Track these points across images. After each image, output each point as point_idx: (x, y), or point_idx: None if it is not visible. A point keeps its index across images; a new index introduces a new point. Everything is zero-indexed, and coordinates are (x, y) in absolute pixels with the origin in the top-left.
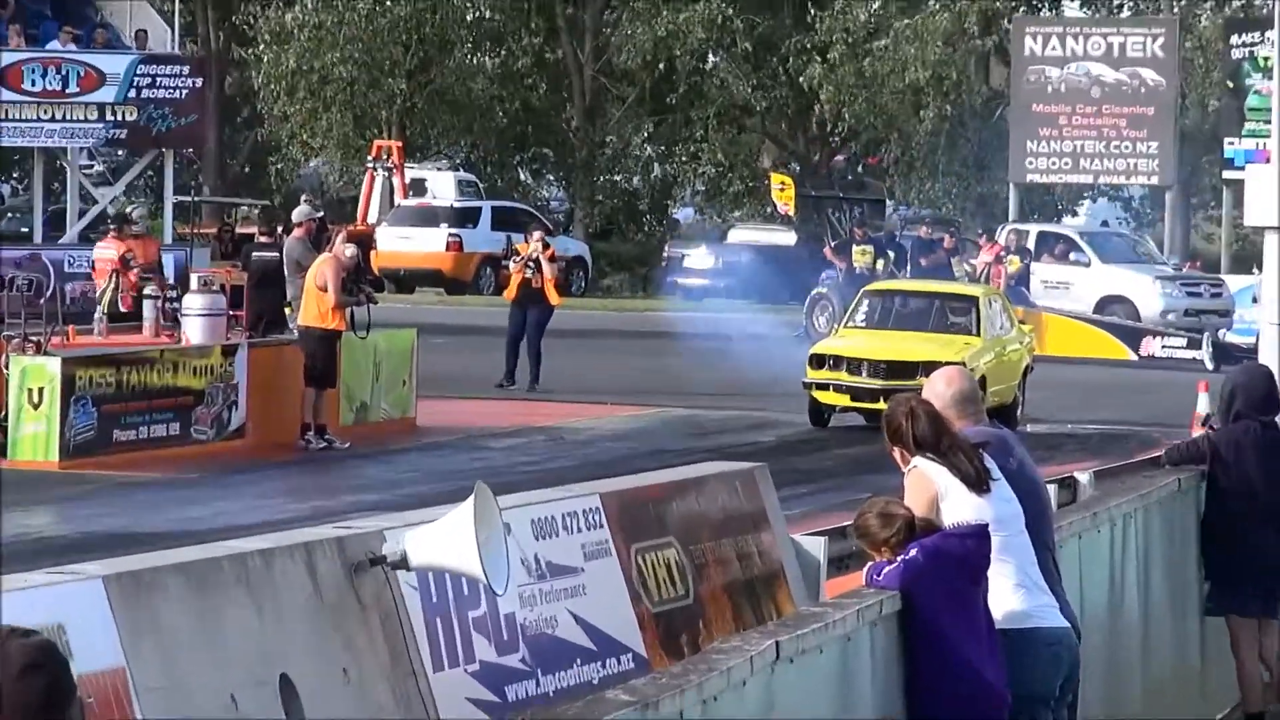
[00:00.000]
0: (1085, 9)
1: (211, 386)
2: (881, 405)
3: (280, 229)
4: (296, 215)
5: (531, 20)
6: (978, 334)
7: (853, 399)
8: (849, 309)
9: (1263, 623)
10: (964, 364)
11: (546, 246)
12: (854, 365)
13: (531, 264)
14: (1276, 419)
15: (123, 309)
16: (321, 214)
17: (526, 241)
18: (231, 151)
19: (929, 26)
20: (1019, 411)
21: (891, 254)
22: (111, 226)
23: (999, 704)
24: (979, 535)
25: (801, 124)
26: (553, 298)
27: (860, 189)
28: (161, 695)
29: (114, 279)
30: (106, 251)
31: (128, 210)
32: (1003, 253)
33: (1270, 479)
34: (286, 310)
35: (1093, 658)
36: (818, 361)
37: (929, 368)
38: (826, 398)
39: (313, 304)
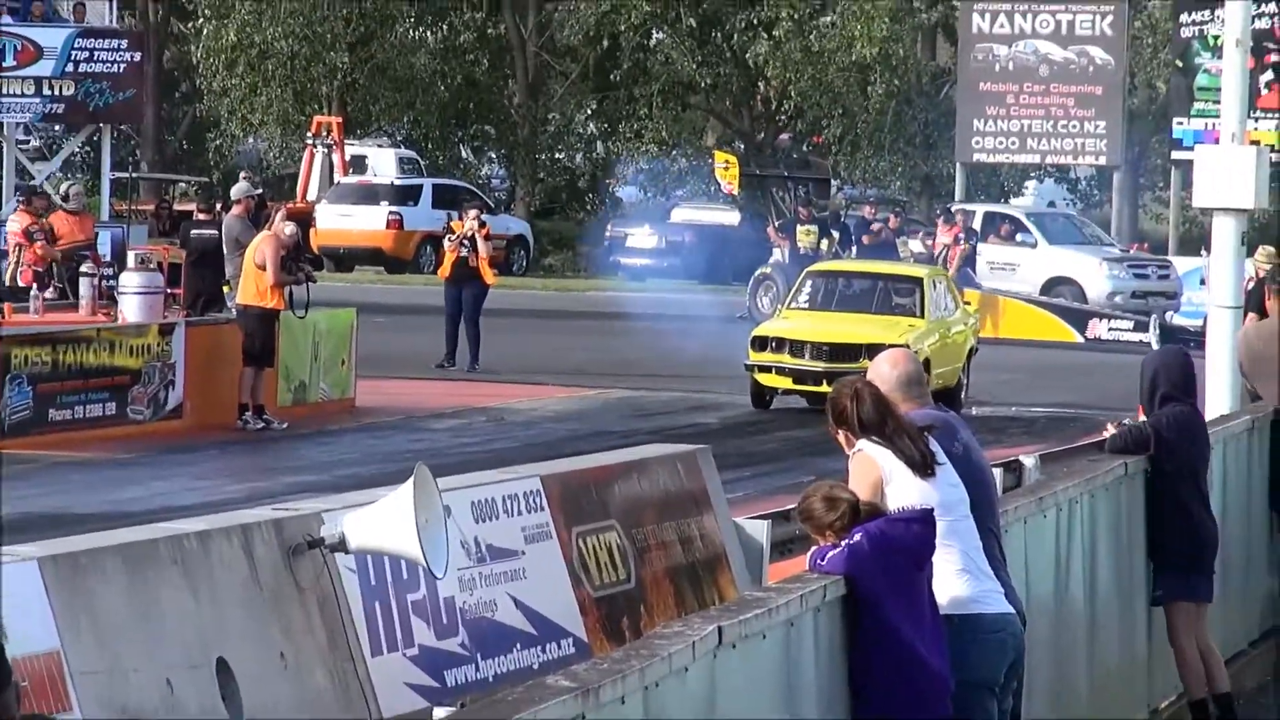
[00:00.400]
0: None
1: (148, 366)
2: (824, 388)
3: (219, 206)
4: (235, 192)
5: None
6: (922, 316)
7: (795, 381)
8: (792, 290)
9: (1201, 607)
10: (907, 346)
11: (482, 225)
12: (796, 347)
13: (467, 242)
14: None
15: (21, 283)
16: (260, 191)
17: (461, 220)
18: (170, 127)
19: (876, 3)
20: (964, 394)
21: (836, 234)
22: (19, 199)
23: (943, 690)
24: (924, 520)
25: (746, 101)
26: (488, 276)
27: (805, 168)
28: (97, 679)
29: (18, 253)
30: (11, 225)
31: (65, 187)
32: (960, 234)
33: (1204, 462)
34: (225, 289)
35: (1038, 644)
36: (760, 344)
37: (872, 350)
38: (768, 380)
39: (251, 283)
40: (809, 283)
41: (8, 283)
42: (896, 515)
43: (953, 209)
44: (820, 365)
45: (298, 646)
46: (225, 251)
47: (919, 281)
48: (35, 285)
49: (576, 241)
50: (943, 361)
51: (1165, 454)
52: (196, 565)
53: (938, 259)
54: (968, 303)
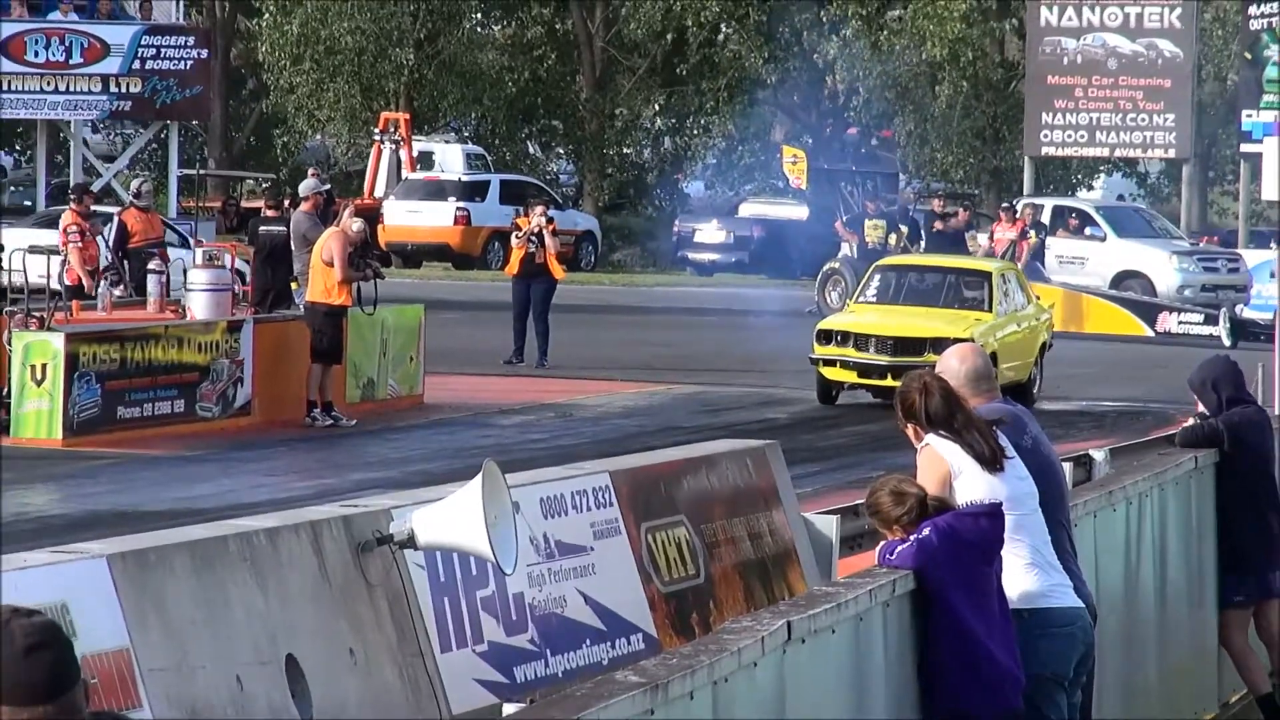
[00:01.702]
0: None
1: (216, 363)
2: (889, 382)
3: (287, 203)
4: (303, 189)
5: None
6: (990, 310)
7: (860, 375)
8: (860, 284)
9: (1265, 604)
10: (973, 340)
11: (549, 220)
12: (861, 341)
13: (534, 238)
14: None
15: (68, 282)
16: (328, 188)
17: (528, 216)
18: (237, 124)
19: (948, 7)
20: (1035, 389)
21: (904, 228)
22: (71, 197)
23: (1014, 684)
24: (992, 515)
25: (814, 96)
26: (556, 272)
27: (873, 162)
28: (166, 676)
29: (64, 252)
30: (61, 223)
31: (135, 183)
32: (1026, 228)
33: (1271, 460)
34: (293, 285)
35: (1108, 638)
36: (825, 337)
37: (937, 344)
38: (834, 374)
39: (319, 279)
40: (877, 276)
41: (53, 284)
42: (965, 510)
43: (1017, 204)
44: (885, 359)
45: (367, 643)
46: (293, 248)
47: (988, 275)
48: (87, 283)
49: (644, 237)
50: (1012, 356)
51: (1240, 452)
52: (265, 562)
53: (1005, 254)
54: (1039, 297)
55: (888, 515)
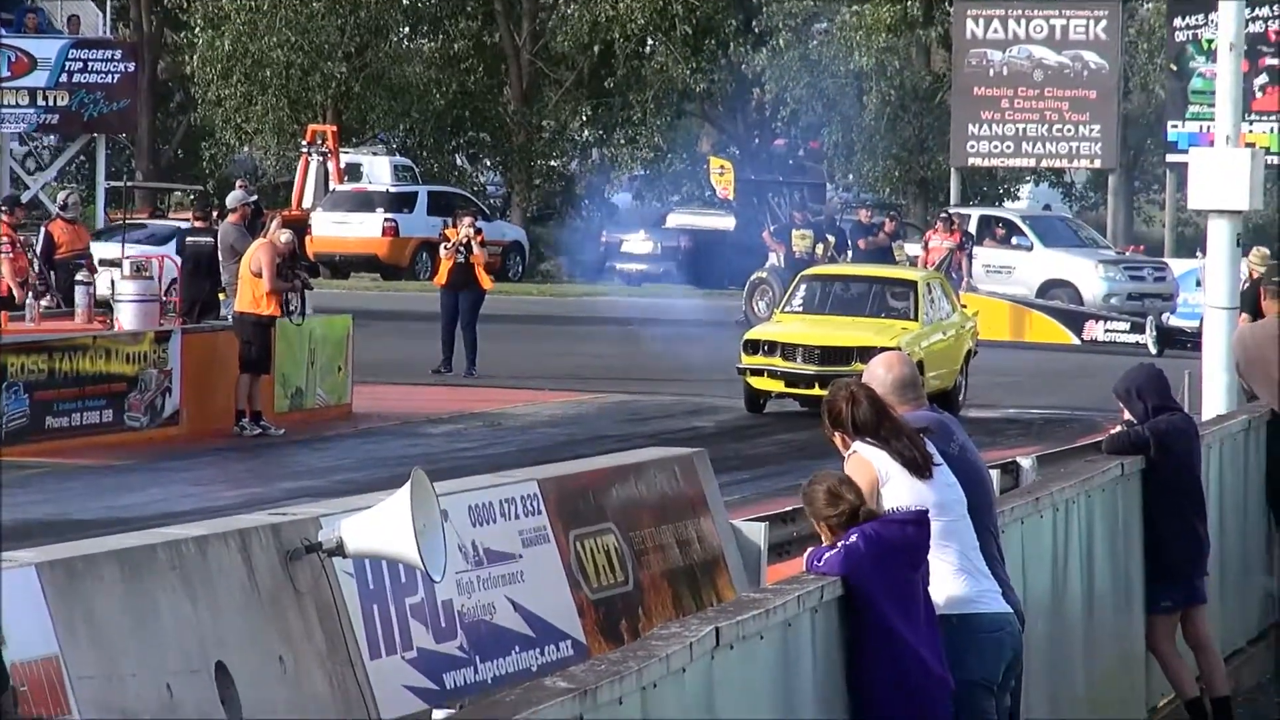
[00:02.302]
0: None
1: (144, 373)
2: (817, 391)
3: (215, 214)
4: (230, 200)
5: (468, 4)
6: (915, 319)
7: (788, 385)
8: (786, 292)
9: (1191, 610)
10: (900, 349)
11: (477, 231)
12: (788, 351)
13: (462, 248)
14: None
15: None
16: (255, 199)
17: (455, 226)
18: (164, 136)
19: (875, 16)
20: (961, 397)
21: (831, 238)
22: (2, 209)
23: (942, 690)
24: (918, 522)
25: (741, 108)
26: (484, 281)
27: (800, 173)
28: (96, 684)
29: None
30: None
31: (62, 195)
32: (962, 240)
33: (1198, 467)
34: (220, 296)
35: (1036, 644)
36: (752, 347)
37: (864, 353)
38: (761, 384)
39: (247, 290)
40: (803, 286)
41: None
42: (891, 517)
43: (950, 213)
44: (812, 368)
45: (296, 651)
46: (221, 259)
47: (913, 285)
48: (18, 294)
49: (572, 247)
50: (938, 365)
51: (1164, 459)
52: (194, 570)
53: (941, 264)
54: (965, 306)
55: (819, 511)
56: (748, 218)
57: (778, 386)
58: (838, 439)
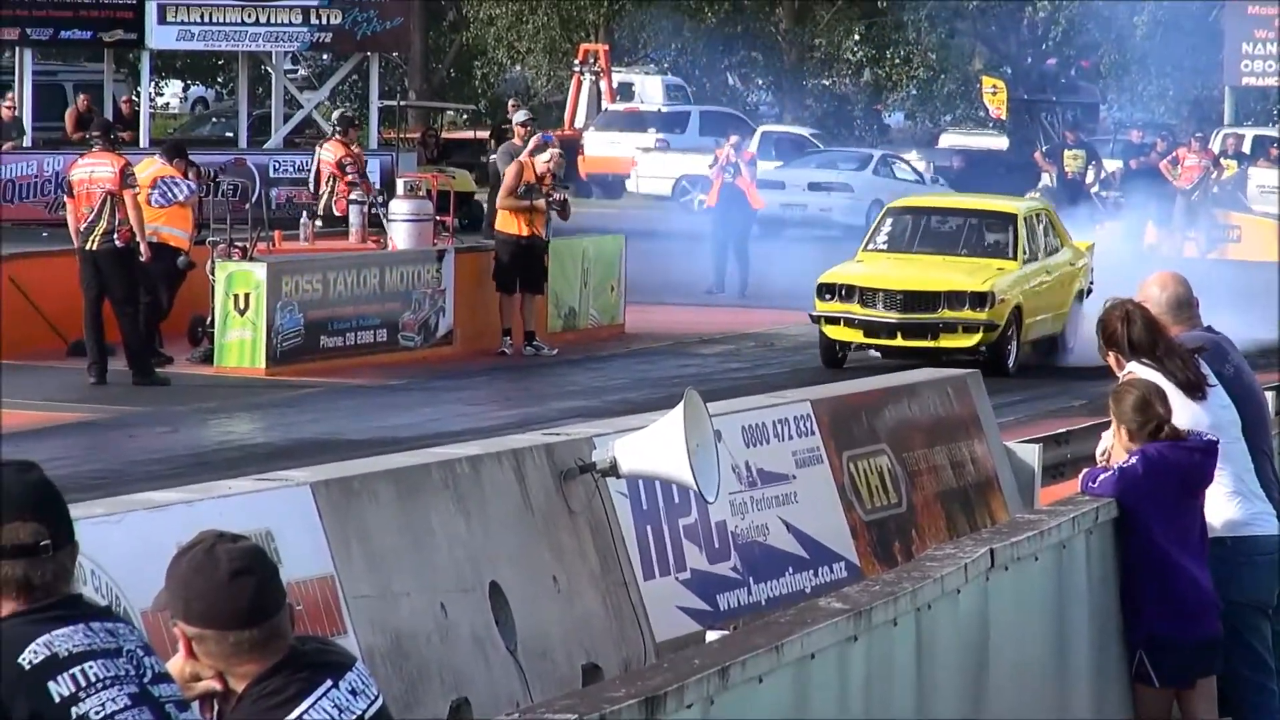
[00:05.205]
0: None
1: (418, 292)
2: (899, 341)
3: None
4: (517, 119)
5: None
6: (1014, 257)
7: (866, 334)
8: (870, 228)
9: None
10: (992, 293)
11: (745, 149)
12: (867, 296)
13: (730, 168)
14: None
15: (336, 213)
16: (534, 118)
17: (724, 146)
18: (437, 55)
19: None
20: (1071, 345)
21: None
22: (336, 129)
23: (1212, 610)
24: (1206, 450)
25: (1013, 26)
26: (755, 201)
27: (1073, 92)
28: (371, 603)
29: (331, 183)
30: (325, 154)
31: (336, 115)
32: (1217, 156)
33: None
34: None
35: None
36: (828, 291)
37: (952, 298)
38: (837, 333)
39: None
40: (889, 220)
41: (320, 211)
42: (1183, 442)
43: (1218, 133)
44: (894, 315)
45: (570, 570)
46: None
47: (1013, 218)
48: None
49: None
50: (1039, 309)
51: None
52: (468, 490)
53: (1197, 184)
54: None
55: (1124, 414)
56: (1020, 137)
57: (856, 336)
58: (1111, 359)
